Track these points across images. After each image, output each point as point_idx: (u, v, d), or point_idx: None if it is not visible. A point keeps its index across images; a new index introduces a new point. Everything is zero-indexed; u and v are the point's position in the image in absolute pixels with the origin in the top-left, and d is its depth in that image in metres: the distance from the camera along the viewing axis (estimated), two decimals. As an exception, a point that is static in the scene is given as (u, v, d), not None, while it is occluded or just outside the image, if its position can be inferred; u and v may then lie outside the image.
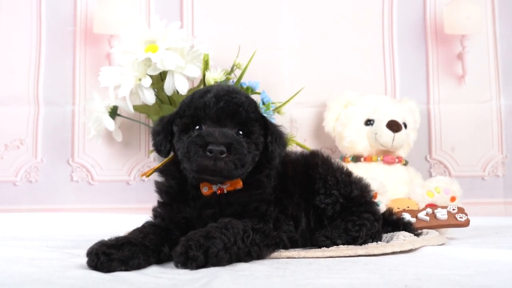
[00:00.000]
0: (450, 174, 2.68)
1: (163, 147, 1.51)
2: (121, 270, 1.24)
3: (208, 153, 1.36)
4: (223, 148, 1.36)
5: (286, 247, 1.53)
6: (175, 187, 1.52)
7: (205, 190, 1.47)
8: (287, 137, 1.62)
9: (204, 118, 1.44)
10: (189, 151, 1.39)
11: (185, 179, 1.50)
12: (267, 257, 1.46)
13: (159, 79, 2.26)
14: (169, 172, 1.54)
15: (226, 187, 1.47)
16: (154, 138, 1.54)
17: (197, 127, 1.45)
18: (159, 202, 1.55)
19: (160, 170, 1.57)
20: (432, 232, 1.82)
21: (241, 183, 1.48)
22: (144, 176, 1.58)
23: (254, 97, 2.35)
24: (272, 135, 1.51)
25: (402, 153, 2.47)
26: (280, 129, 1.58)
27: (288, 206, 1.57)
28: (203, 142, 1.37)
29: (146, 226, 1.46)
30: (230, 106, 1.43)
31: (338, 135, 2.51)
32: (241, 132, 1.45)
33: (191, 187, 1.50)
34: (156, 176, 1.59)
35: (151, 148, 2.53)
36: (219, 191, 1.47)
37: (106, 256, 1.24)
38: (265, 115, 1.58)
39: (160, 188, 1.56)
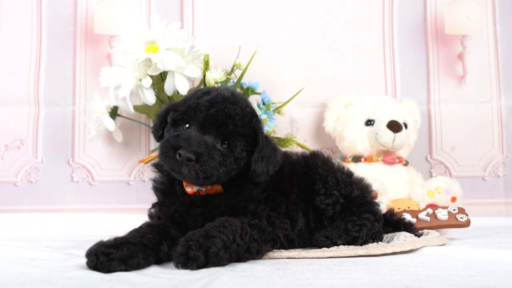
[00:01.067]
0: (450, 175, 2.68)
1: (156, 131, 1.56)
2: (121, 269, 1.24)
3: (177, 156, 1.38)
4: (192, 156, 1.37)
5: (283, 246, 1.53)
6: (166, 183, 1.56)
7: (188, 189, 1.50)
8: (281, 155, 1.58)
9: (193, 119, 1.46)
10: (161, 147, 1.43)
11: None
12: (265, 253, 1.47)
13: (160, 79, 2.26)
14: (162, 167, 1.57)
15: (204, 190, 1.50)
16: (154, 120, 1.59)
17: (187, 125, 1.47)
18: (153, 204, 1.58)
19: (155, 164, 1.60)
20: (433, 233, 1.82)
21: (220, 187, 1.50)
22: (143, 163, 1.61)
23: (254, 97, 2.38)
24: (259, 153, 1.49)
25: (403, 153, 2.47)
26: (274, 147, 1.55)
27: (281, 204, 1.57)
28: (176, 144, 1.39)
29: (143, 226, 1.47)
30: (219, 116, 1.44)
31: (338, 136, 2.51)
32: (226, 143, 1.45)
33: (178, 183, 1.53)
34: (153, 173, 1.62)
35: (152, 148, 2.56)
36: (197, 193, 1.50)
37: (106, 255, 1.24)
38: (263, 131, 1.55)
39: (155, 186, 1.59)
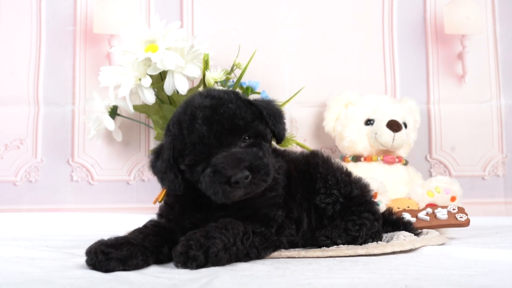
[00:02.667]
0: (450, 174, 2.68)
1: (177, 186, 1.42)
2: (119, 269, 1.24)
3: (235, 185, 1.32)
4: (247, 173, 1.32)
5: (285, 248, 1.52)
6: (185, 199, 1.48)
7: None
8: (279, 105, 1.56)
9: (206, 149, 1.36)
10: (216, 192, 1.34)
11: (197, 191, 1.44)
12: (266, 257, 1.46)
13: (159, 78, 2.26)
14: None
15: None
16: (163, 178, 1.42)
17: (202, 157, 1.37)
18: (167, 204, 1.52)
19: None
20: (432, 232, 1.81)
21: None
22: (158, 202, 1.53)
23: (254, 96, 2.38)
24: (270, 117, 1.46)
25: (402, 153, 2.47)
26: (270, 103, 1.52)
27: (293, 209, 1.55)
28: (225, 178, 1.32)
29: (148, 226, 1.44)
30: (225, 125, 1.36)
31: (338, 135, 2.51)
32: (246, 138, 1.40)
33: (203, 197, 1.43)
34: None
35: (151, 147, 2.56)
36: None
37: (105, 255, 1.24)
38: (251, 99, 1.50)
39: (171, 193, 1.51)
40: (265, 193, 1.44)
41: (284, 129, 1.51)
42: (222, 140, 1.36)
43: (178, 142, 1.39)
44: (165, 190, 1.50)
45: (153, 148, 2.46)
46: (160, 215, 1.51)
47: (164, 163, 1.42)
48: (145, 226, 1.45)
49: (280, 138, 1.51)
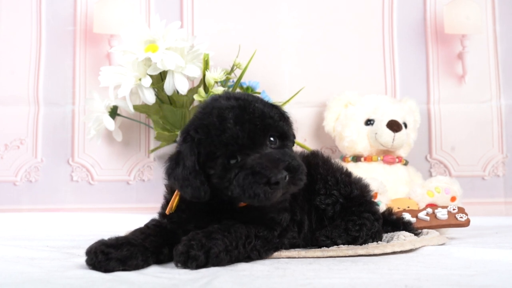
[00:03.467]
0: (450, 174, 2.68)
1: (202, 193, 1.35)
2: (119, 270, 1.24)
3: (274, 186, 1.29)
4: (285, 173, 1.29)
5: (286, 249, 1.52)
6: (197, 204, 1.43)
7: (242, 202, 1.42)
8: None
9: (239, 150, 1.32)
10: (257, 193, 1.28)
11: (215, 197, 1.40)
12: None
13: (159, 79, 2.26)
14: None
15: None
16: (184, 185, 1.35)
17: (233, 161, 1.33)
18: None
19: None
20: (432, 232, 1.81)
21: None
22: (170, 211, 1.48)
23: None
24: (287, 119, 1.48)
25: (402, 153, 2.47)
26: (279, 106, 1.51)
27: (296, 211, 1.55)
28: (265, 179, 1.27)
29: (150, 226, 1.43)
30: (258, 124, 1.33)
31: (338, 135, 2.51)
32: (272, 139, 1.37)
33: (223, 203, 1.41)
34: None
35: (151, 148, 2.56)
36: None
37: (105, 255, 1.24)
38: (271, 101, 1.51)
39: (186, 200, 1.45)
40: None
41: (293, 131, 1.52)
42: (255, 140, 1.33)
43: (205, 146, 1.33)
44: (177, 197, 1.44)
45: (155, 152, 2.48)
46: (162, 215, 1.49)
47: (187, 170, 1.34)
48: (146, 226, 1.44)
49: (294, 139, 1.51)
